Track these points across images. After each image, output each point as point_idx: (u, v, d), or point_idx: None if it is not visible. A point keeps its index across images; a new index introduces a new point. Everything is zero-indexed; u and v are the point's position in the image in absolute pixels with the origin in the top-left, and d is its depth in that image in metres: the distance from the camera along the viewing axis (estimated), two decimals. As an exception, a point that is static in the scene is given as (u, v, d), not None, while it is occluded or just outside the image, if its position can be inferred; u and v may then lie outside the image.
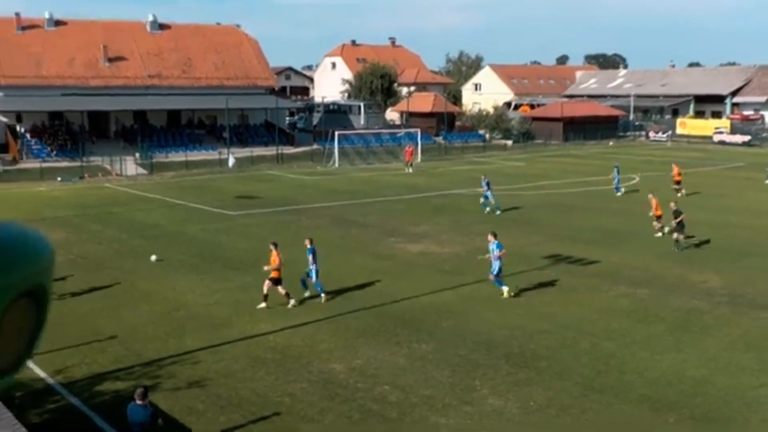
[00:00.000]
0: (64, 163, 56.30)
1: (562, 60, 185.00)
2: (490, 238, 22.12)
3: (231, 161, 58.59)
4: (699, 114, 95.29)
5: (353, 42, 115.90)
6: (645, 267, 25.52)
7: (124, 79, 66.32)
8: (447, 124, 79.09)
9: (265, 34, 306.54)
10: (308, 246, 21.87)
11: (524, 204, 39.96)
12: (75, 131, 62.65)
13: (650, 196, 31.90)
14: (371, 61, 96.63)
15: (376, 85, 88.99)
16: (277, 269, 21.11)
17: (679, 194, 39.37)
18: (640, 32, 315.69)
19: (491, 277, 21.99)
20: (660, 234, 30.26)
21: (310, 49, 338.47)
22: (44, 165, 54.45)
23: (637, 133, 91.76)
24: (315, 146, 67.54)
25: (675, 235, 28.21)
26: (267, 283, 21.15)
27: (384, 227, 33.25)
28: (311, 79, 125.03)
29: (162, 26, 73.31)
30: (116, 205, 40.52)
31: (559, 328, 19.40)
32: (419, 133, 67.00)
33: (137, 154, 59.43)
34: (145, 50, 69.49)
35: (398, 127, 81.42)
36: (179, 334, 19.17)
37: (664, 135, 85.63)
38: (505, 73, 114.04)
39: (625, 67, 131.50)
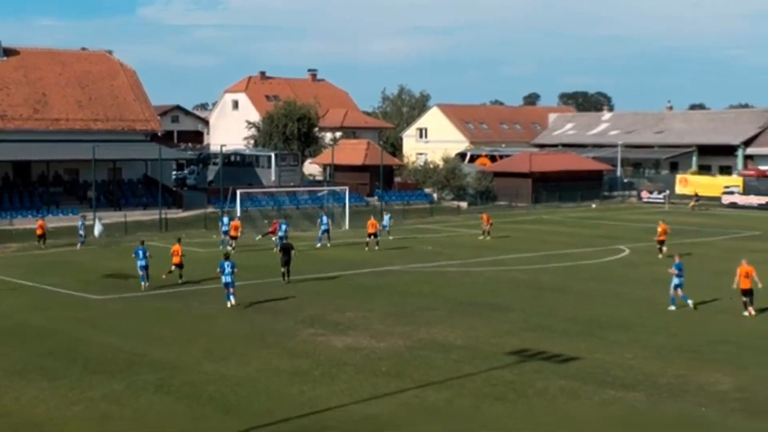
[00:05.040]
0: None
1: (531, 100, 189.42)
2: None
3: (98, 229, 57.82)
4: (704, 169, 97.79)
5: (262, 74, 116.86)
6: (639, 365, 25.76)
7: (-45, 120, 65.67)
8: (383, 180, 79.70)
9: (145, 62, 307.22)
10: None
11: (484, 284, 40.20)
12: None
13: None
14: (285, 99, 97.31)
15: (292, 129, 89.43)
16: None
17: (660, 255, 47.07)
18: (628, 66, 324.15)
19: None
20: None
21: (206, 83, 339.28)
22: None
23: (627, 192, 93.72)
24: (210, 209, 67.31)
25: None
26: None
27: (301, 314, 33.05)
28: (206, 122, 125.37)
29: (8, 51, 73.00)
30: (-59, 288, 39.62)
31: (529, 445, 19.37)
32: (347, 192, 67.20)
33: (-30, 220, 58.58)
34: (-15, 82, 69.04)
35: (320, 184, 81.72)
36: (23, 460, 18.65)
37: (661, 195, 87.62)
38: (458, 115, 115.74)
39: (611, 109, 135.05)
